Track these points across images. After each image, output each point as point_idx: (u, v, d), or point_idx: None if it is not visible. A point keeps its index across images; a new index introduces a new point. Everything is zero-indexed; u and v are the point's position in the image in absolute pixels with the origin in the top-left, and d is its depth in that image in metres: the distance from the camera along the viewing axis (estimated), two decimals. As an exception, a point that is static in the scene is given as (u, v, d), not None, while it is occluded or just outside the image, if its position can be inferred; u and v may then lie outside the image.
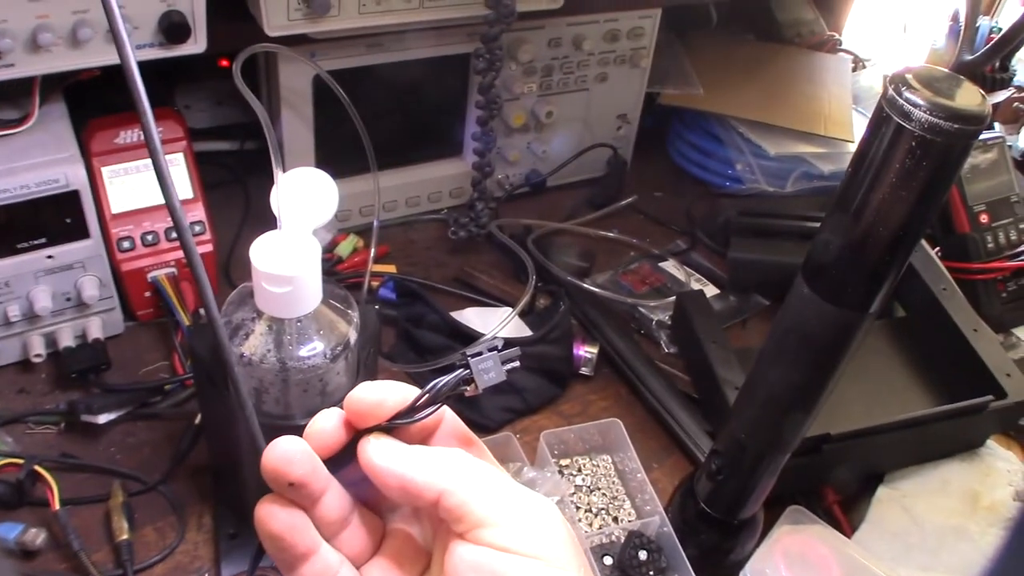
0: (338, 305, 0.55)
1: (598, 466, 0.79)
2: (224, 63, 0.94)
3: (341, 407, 0.35)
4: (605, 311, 0.93)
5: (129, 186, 0.79)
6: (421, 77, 0.95)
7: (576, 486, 0.77)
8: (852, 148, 1.11)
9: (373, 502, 0.37)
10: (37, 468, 0.67)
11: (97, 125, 0.78)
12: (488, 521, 0.32)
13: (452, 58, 0.94)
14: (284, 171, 0.52)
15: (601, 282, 0.98)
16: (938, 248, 0.97)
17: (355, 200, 0.97)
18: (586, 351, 0.87)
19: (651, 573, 0.69)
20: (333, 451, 0.34)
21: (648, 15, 1.04)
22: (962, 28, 0.97)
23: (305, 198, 0.52)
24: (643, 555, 0.69)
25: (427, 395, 0.34)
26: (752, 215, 1.01)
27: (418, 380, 0.82)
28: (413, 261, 0.99)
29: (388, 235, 1.01)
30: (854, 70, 1.29)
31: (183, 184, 0.83)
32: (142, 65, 0.34)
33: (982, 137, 0.89)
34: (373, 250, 0.89)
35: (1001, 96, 1.16)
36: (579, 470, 0.79)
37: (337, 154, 0.92)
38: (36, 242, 0.74)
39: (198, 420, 0.74)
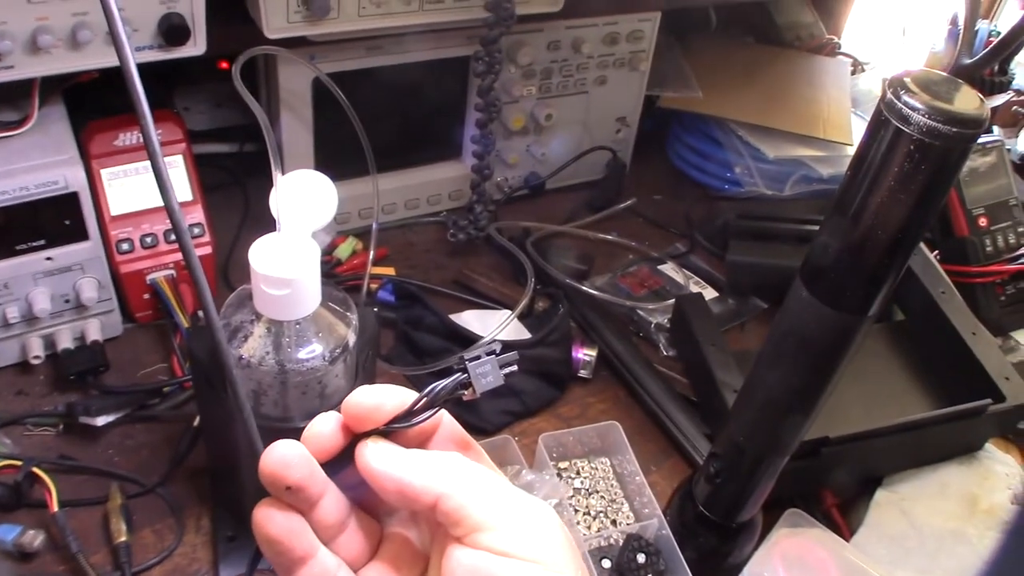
0: (337, 307, 0.55)
1: (596, 469, 0.79)
2: (223, 65, 0.94)
3: (339, 410, 0.35)
4: (604, 314, 0.93)
5: (128, 188, 0.79)
6: (420, 80, 0.95)
7: (574, 489, 0.77)
8: (851, 151, 1.11)
9: (371, 506, 0.37)
10: (35, 470, 0.67)
11: (96, 127, 0.78)
12: (485, 525, 0.32)
13: (451, 61, 0.95)
14: (283, 173, 0.52)
15: (600, 285, 0.98)
16: (937, 251, 0.97)
17: (354, 202, 0.97)
18: (585, 354, 0.87)
19: (649, 576, 0.69)
20: (331, 455, 0.34)
21: (647, 18, 1.04)
22: (961, 31, 0.97)
23: (304, 200, 0.53)
24: (641, 558, 0.69)
25: (425, 399, 0.34)
26: (751, 218, 1.01)
27: (417, 383, 0.82)
28: (412, 263, 0.99)
29: (387, 237, 1.01)
30: (853, 73, 1.29)
31: (182, 186, 0.83)
32: (141, 67, 0.34)
33: (981, 141, 0.89)
34: (372, 252, 0.89)
35: (1000, 100, 1.16)
36: (577, 473, 0.79)
37: (336, 156, 0.92)
38: (35, 244, 0.74)
39: (197, 422, 0.74)
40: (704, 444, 0.80)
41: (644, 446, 0.81)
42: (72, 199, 0.73)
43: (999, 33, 1.18)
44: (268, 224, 0.52)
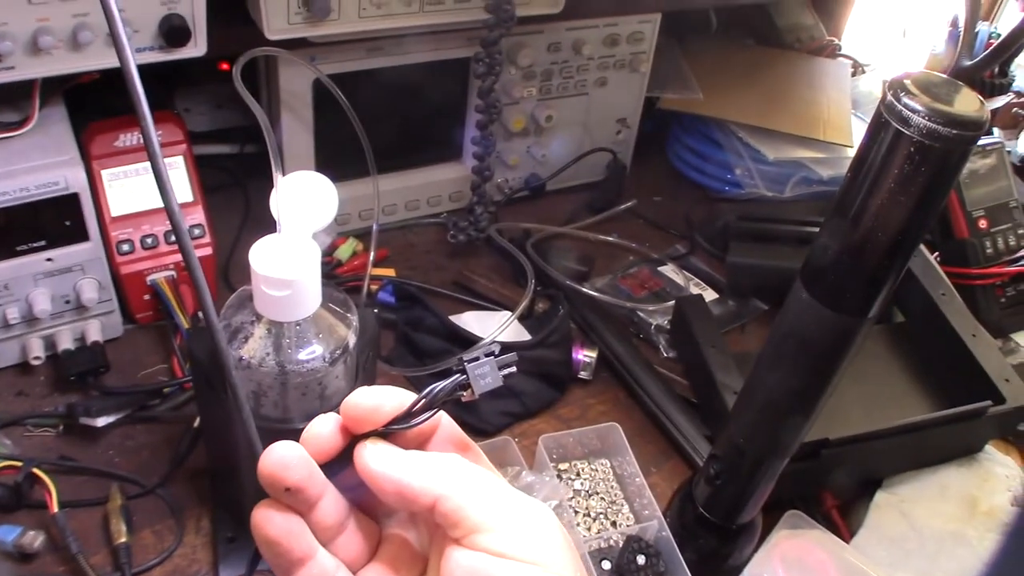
0: (337, 309, 0.55)
1: (596, 470, 0.79)
2: (224, 67, 0.94)
3: (338, 411, 0.35)
4: (604, 315, 0.93)
5: (129, 189, 0.79)
6: (421, 81, 0.95)
7: (574, 490, 0.77)
8: (851, 153, 1.11)
9: (369, 507, 0.37)
10: (35, 471, 0.67)
11: (97, 128, 0.78)
12: (484, 526, 0.32)
13: (452, 62, 0.95)
14: (284, 174, 0.52)
15: (600, 286, 0.98)
16: (937, 253, 0.97)
17: (354, 204, 0.97)
18: (585, 355, 0.87)
19: (649, 578, 0.69)
20: (330, 456, 0.34)
21: (648, 20, 1.04)
22: (961, 33, 0.97)
23: (305, 201, 0.53)
24: (641, 559, 0.69)
25: (423, 401, 0.34)
26: (751, 220, 1.01)
27: (417, 384, 0.82)
28: (412, 265, 0.99)
29: (387, 239, 1.01)
30: (853, 75, 1.29)
31: (182, 187, 0.83)
32: (142, 68, 0.34)
33: (981, 142, 0.90)
34: (372, 254, 0.89)
35: (1000, 101, 1.16)
36: (577, 474, 0.79)
37: (337, 158, 0.92)
38: (35, 244, 0.74)
39: (197, 423, 0.74)
40: (704, 446, 0.80)
41: (644, 448, 0.81)
42: (73, 200, 0.73)
43: (999, 35, 1.19)
44: (269, 225, 0.52)
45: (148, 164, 0.66)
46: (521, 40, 0.96)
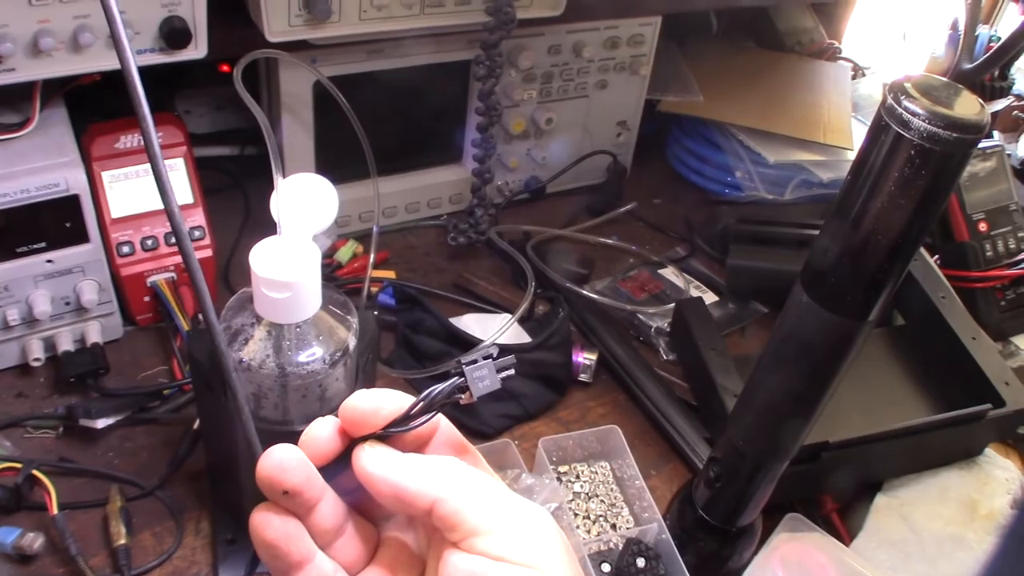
0: (337, 311, 0.55)
1: (596, 473, 0.79)
2: (225, 68, 0.95)
3: (337, 414, 0.35)
4: (604, 318, 0.93)
5: (129, 191, 0.79)
6: (421, 83, 0.95)
7: (574, 493, 0.77)
8: (851, 156, 1.11)
9: (368, 510, 0.37)
10: (35, 472, 0.67)
11: (97, 130, 0.78)
12: (482, 530, 0.32)
13: (452, 65, 0.95)
14: (284, 176, 0.52)
15: (600, 289, 0.98)
16: (937, 256, 0.97)
17: (355, 206, 0.97)
18: (585, 358, 0.87)
19: (649, 581, 0.69)
20: (328, 459, 0.34)
21: (648, 22, 1.04)
22: (961, 36, 0.97)
23: (305, 204, 0.53)
24: (641, 562, 0.69)
25: (422, 403, 0.34)
26: (751, 222, 1.01)
27: (417, 386, 0.82)
28: (412, 267, 0.99)
29: (387, 241, 1.01)
30: (853, 78, 1.29)
31: (183, 189, 0.83)
32: (142, 70, 0.34)
33: (981, 146, 0.90)
34: (372, 256, 0.89)
35: (1000, 105, 1.16)
36: (577, 477, 0.79)
37: (337, 160, 0.92)
38: (36, 246, 0.74)
39: (196, 425, 0.74)
40: (704, 448, 0.80)
41: (644, 450, 0.81)
42: (73, 201, 0.73)
43: (999, 38, 1.19)
44: (269, 227, 0.52)
45: (148, 166, 0.66)
46: (522, 42, 0.97)
